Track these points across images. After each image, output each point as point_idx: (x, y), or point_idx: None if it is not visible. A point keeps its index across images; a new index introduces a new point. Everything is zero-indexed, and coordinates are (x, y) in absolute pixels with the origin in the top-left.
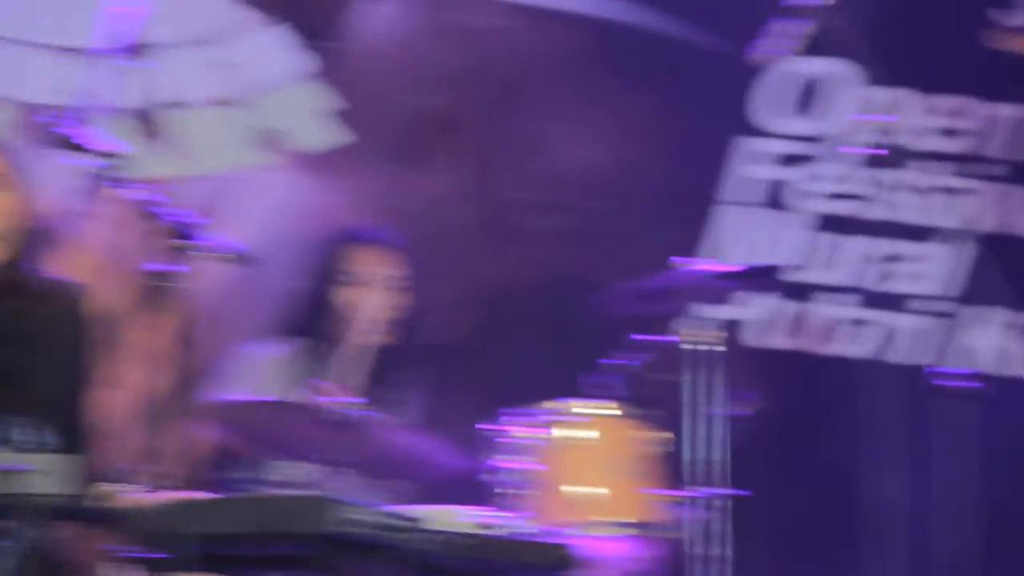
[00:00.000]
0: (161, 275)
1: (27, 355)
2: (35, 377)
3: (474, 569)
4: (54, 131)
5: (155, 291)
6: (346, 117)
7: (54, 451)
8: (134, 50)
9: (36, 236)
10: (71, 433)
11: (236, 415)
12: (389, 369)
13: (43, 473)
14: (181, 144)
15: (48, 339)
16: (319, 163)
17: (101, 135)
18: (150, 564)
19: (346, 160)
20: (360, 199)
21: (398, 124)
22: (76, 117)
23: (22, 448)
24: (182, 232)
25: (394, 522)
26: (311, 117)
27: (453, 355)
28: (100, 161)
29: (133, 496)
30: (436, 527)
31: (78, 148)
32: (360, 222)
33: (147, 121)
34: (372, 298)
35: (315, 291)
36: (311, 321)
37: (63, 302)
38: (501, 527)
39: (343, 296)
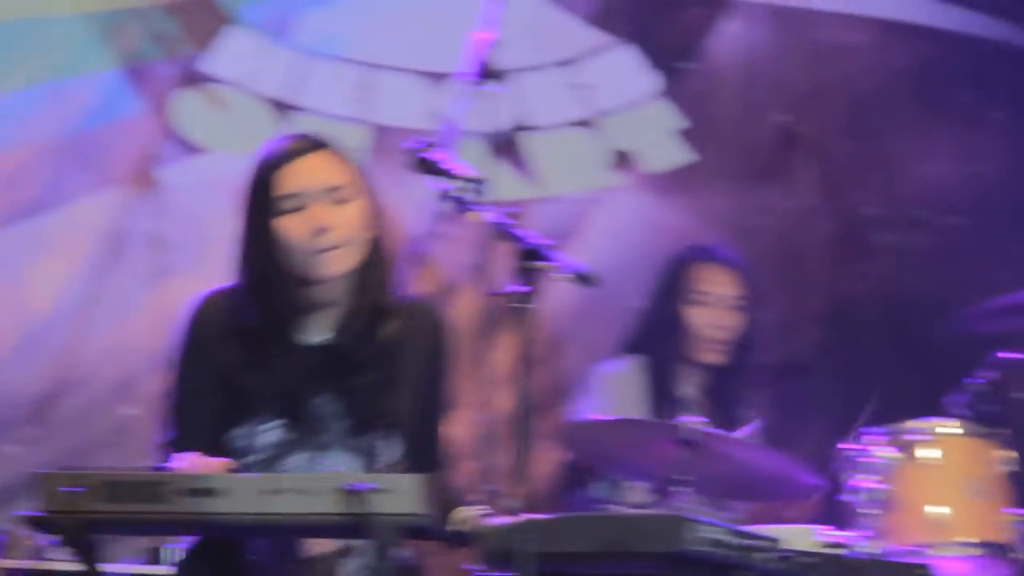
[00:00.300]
0: (511, 296)
1: (385, 369)
2: (393, 392)
3: None
4: (418, 154)
5: (505, 312)
6: (693, 136)
7: (407, 470)
8: (489, 75)
9: (385, 250)
10: (426, 452)
11: (585, 434)
12: (734, 387)
13: (395, 492)
14: (535, 166)
15: (406, 354)
16: (667, 182)
17: (460, 159)
18: None
19: (693, 179)
20: (707, 217)
21: (746, 142)
22: (437, 141)
23: (377, 465)
24: (532, 253)
25: (751, 542)
26: (660, 137)
27: (802, 373)
28: (458, 184)
29: (482, 516)
30: (793, 547)
31: (440, 171)
32: (705, 241)
33: (502, 144)
34: (716, 316)
35: (660, 309)
36: (656, 339)
37: (423, 318)
38: (857, 547)
39: (687, 314)
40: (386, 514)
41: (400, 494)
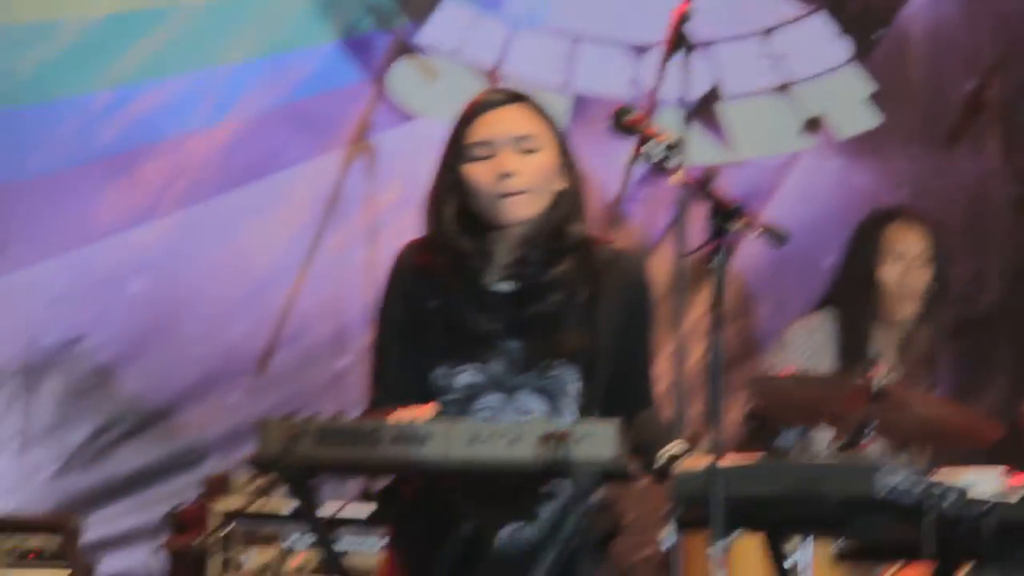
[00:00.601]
0: (705, 254)
1: (572, 313)
2: (580, 335)
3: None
4: (618, 119)
5: (700, 270)
6: (882, 101)
7: (605, 413)
8: (687, 45)
9: (574, 203)
10: (627, 396)
11: (778, 387)
12: (921, 342)
13: (593, 437)
14: (729, 132)
15: (606, 300)
16: (856, 146)
17: (659, 124)
18: (693, 526)
19: (881, 142)
20: (894, 179)
21: (933, 107)
22: (637, 107)
23: (563, 405)
24: (726, 213)
25: (939, 489)
26: (850, 102)
27: (985, 330)
28: (656, 147)
29: (680, 457)
30: (984, 495)
31: (639, 135)
32: (893, 202)
33: (699, 112)
34: (907, 274)
35: (853, 268)
36: (849, 297)
37: (626, 268)
38: None
39: (880, 272)
40: (585, 459)
41: (599, 440)
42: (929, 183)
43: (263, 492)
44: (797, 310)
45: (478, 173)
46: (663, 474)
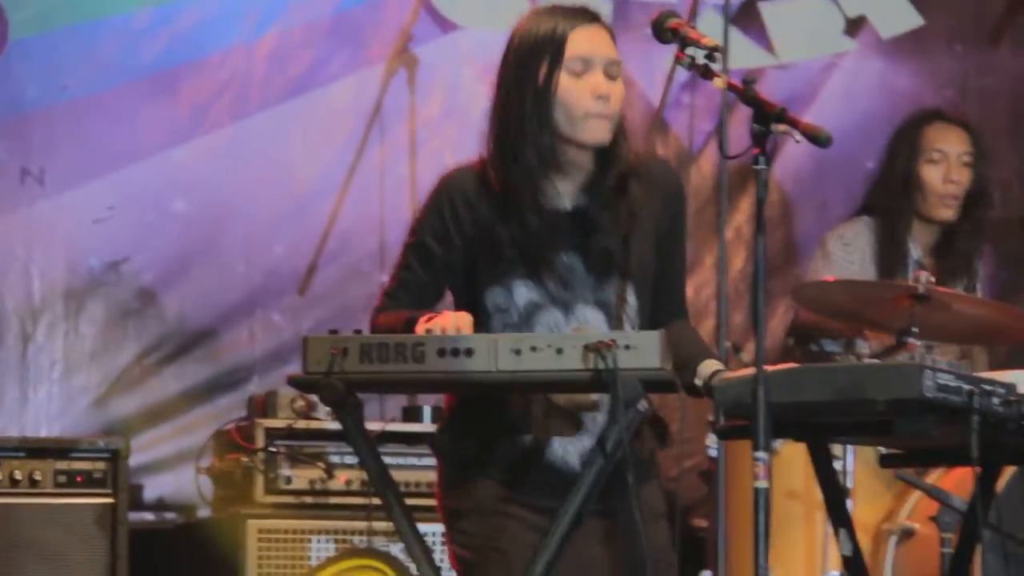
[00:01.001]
0: (749, 160)
1: (626, 229)
2: (633, 250)
3: None
4: (661, 24)
5: (743, 176)
6: (922, 0)
7: (651, 324)
8: None
9: (628, 129)
10: (669, 306)
11: (821, 293)
12: (961, 243)
13: (638, 348)
14: (771, 35)
15: (646, 212)
16: (897, 46)
17: (700, 28)
18: (740, 431)
19: (923, 42)
20: (937, 80)
21: (974, 4)
22: (679, 11)
23: (620, 318)
24: (768, 116)
25: (988, 388)
26: (891, 2)
27: None
28: (698, 52)
29: (726, 369)
30: None
31: (681, 39)
32: (935, 103)
33: (740, 15)
34: (949, 173)
35: (895, 168)
36: (891, 198)
37: (662, 178)
38: None
39: (922, 172)
40: (629, 369)
41: (643, 350)
42: (971, 83)
43: (308, 411)
44: (839, 215)
45: (574, 88)
46: (706, 390)
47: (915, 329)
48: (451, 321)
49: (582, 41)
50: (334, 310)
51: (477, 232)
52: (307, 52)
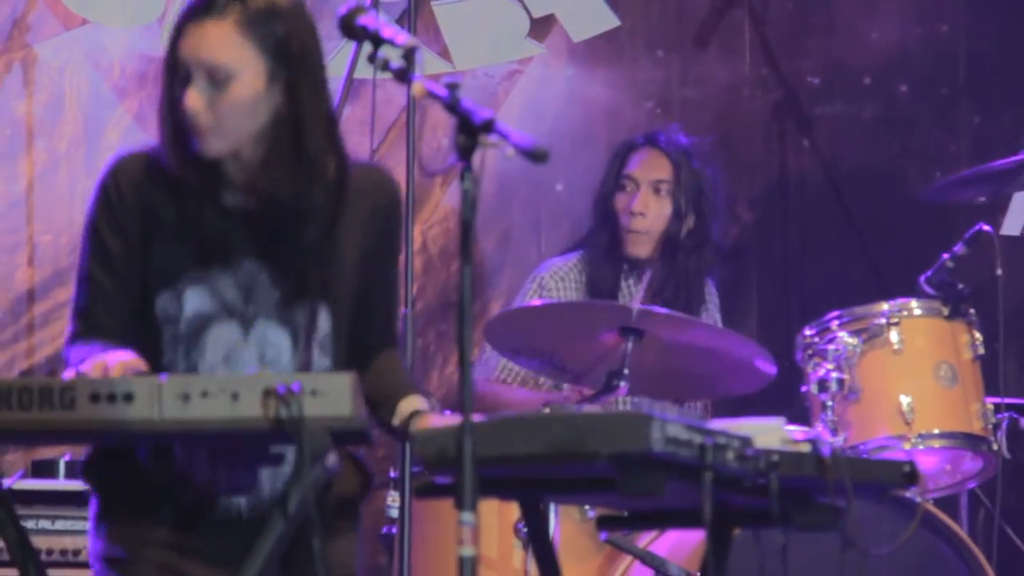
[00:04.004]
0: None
1: (317, 238)
2: (327, 264)
3: (811, 488)
4: (351, 22)
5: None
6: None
7: (350, 354)
8: None
9: (307, 115)
10: (370, 335)
11: (516, 324)
12: (679, 274)
13: (327, 393)
14: (446, 38)
15: (350, 223)
16: (591, 51)
17: (390, 27)
18: (441, 489)
19: (619, 47)
20: (636, 90)
21: (677, 5)
22: (367, 8)
23: (308, 341)
24: (475, 127)
25: (721, 440)
26: (581, 1)
27: (741, 257)
28: (394, 52)
29: (423, 417)
30: (765, 446)
31: (375, 39)
32: (636, 116)
33: (417, 15)
34: (629, 204)
35: (596, 199)
36: (594, 232)
37: (376, 188)
38: (829, 443)
39: (615, 202)
40: (317, 417)
41: (332, 395)
42: (676, 93)
43: None
44: (524, 239)
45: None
46: (404, 436)
47: (626, 371)
48: (115, 361)
49: (187, 47)
50: None
51: (148, 224)
52: None
